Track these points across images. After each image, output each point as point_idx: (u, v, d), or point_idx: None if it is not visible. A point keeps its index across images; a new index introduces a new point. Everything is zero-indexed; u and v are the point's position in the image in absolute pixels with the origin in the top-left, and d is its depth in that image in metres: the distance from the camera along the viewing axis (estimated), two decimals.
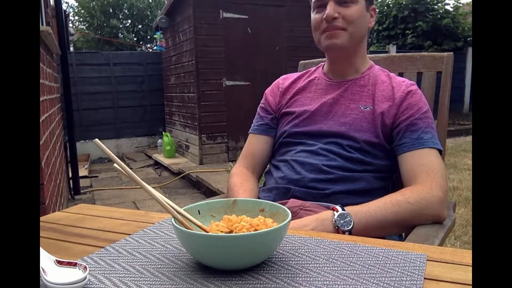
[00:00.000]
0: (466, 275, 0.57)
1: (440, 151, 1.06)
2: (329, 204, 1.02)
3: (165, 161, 5.45)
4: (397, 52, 8.34)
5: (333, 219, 0.91)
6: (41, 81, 2.35)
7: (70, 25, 10.98)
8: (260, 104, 1.32)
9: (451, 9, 10.36)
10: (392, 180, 1.18)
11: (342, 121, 1.13)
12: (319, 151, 1.12)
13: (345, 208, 0.94)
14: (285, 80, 1.30)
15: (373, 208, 0.95)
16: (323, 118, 1.16)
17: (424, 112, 1.09)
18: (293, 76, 1.31)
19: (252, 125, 1.30)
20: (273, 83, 1.32)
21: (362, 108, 1.13)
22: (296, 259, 0.62)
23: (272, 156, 1.26)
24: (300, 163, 1.12)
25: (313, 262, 0.61)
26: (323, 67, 1.26)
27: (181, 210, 0.65)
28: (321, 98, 1.19)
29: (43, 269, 0.55)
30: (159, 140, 5.93)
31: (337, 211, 0.93)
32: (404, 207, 0.95)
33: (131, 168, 5.15)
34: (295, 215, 1.00)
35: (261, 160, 1.26)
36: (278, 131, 1.24)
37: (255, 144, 1.27)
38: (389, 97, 1.13)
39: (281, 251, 0.65)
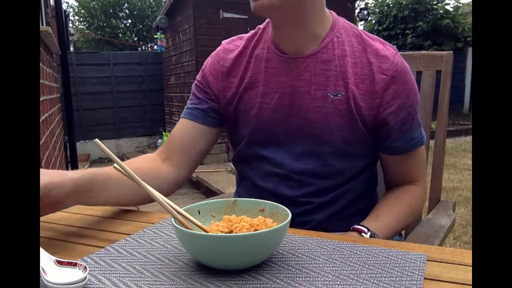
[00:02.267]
0: (466, 275, 0.57)
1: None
2: None
3: None
4: None
5: None
6: (41, 81, 2.35)
7: (70, 25, 10.98)
8: (197, 83, 1.00)
9: (451, 9, 10.36)
10: (375, 166, 1.04)
11: (310, 118, 0.89)
12: (290, 175, 0.92)
13: (369, 227, 0.84)
14: (227, 53, 0.98)
15: (391, 223, 0.89)
16: (286, 116, 0.91)
17: (412, 97, 0.89)
18: (236, 47, 0.98)
19: (186, 107, 1.00)
20: (215, 54, 1.00)
21: (332, 96, 0.87)
22: (296, 259, 0.62)
23: (236, 159, 1.03)
24: (271, 193, 0.93)
25: (313, 262, 0.61)
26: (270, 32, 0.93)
27: (181, 210, 0.65)
28: (276, 85, 0.91)
29: (43, 269, 0.55)
30: (159, 140, 5.94)
31: (365, 233, 0.82)
32: (410, 216, 0.94)
33: None
34: None
35: (188, 150, 0.95)
36: (231, 131, 1.01)
37: (185, 130, 0.96)
38: (365, 77, 0.87)
39: (281, 251, 0.65)
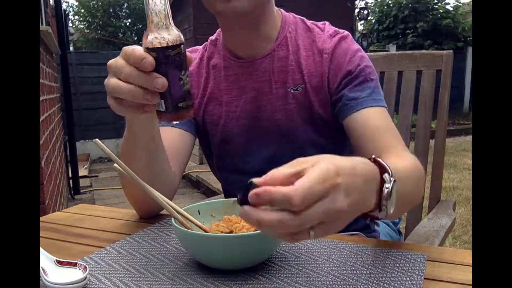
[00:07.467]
0: (466, 275, 0.57)
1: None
2: None
3: None
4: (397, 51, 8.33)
5: (384, 189, 0.51)
6: (41, 81, 2.35)
7: (70, 24, 10.98)
8: None
9: (451, 9, 10.37)
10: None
11: (276, 117, 0.88)
12: None
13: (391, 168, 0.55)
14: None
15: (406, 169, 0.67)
16: (253, 120, 0.90)
17: (358, 61, 0.85)
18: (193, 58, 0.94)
19: None
20: None
21: (292, 91, 0.87)
22: (296, 259, 0.62)
23: (215, 170, 1.01)
24: None
25: (313, 262, 0.61)
26: (222, 39, 0.94)
27: (181, 210, 0.65)
28: (239, 91, 0.91)
29: (43, 269, 0.55)
30: None
31: (389, 174, 0.52)
32: (421, 180, 0.73)
33: None
34: None
35: (180, 157, 0.89)
36: (203, 144, 1.00)
37: (176, 137, 0.90)
38: (317, 65, 0.87)
39: (281, 251, 0.65)
